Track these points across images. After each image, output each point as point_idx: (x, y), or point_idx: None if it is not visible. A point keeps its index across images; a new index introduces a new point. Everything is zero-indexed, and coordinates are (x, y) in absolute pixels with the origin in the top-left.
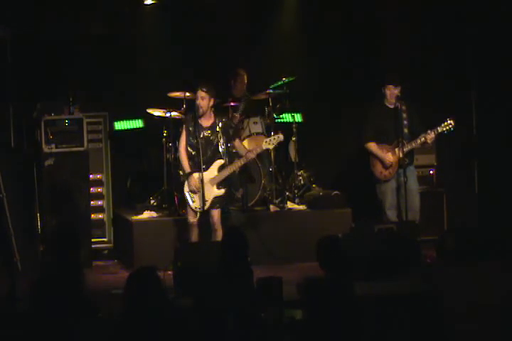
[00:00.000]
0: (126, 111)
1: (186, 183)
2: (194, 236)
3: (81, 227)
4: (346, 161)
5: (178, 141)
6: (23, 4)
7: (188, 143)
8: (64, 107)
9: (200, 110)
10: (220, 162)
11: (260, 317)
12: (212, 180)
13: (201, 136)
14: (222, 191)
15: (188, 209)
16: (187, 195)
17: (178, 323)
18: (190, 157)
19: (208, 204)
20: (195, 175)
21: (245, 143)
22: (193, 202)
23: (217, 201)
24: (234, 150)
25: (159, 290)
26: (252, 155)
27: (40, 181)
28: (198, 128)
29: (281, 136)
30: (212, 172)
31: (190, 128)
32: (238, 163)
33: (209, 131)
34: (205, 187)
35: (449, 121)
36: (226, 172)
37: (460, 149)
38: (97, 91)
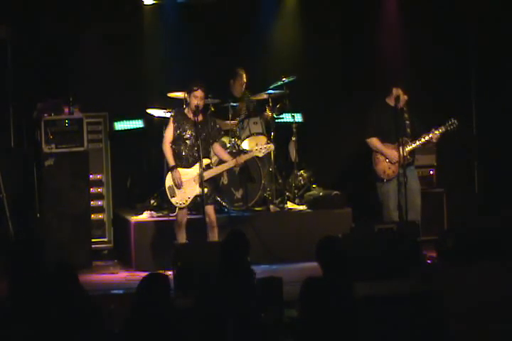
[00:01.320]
0: (126, 111)
1: (168, 177)
2: (181, 235)
3: (81, 227)
4: (346, 161)
5: (163, 135)
6: (23, 4)
7: (177, 140)
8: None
9: (199, 109)
10: (206, 161)
11: (260, 317)
12: (196, 178)
13: (193, 133)
14: (204, 190)
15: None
16: (167, 189)
17: (179, 323)
18: (177, 153)
19: (189, 201)
20: (180, 170)
21: (245, 143)
22: (173, 196)
23: (199, 199)
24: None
25: (168, 297)
26: (240, 161)
27: (40, 181)
28: (191, 125)
29: (272, 146)
30: (197, 169)
31: (180, 124)
32: (225, 166)
33: (200, 127)
34: (188, 183)
35: (452, 121)
36: (211, 173)
37: (460, 149)
38: (97, 91)
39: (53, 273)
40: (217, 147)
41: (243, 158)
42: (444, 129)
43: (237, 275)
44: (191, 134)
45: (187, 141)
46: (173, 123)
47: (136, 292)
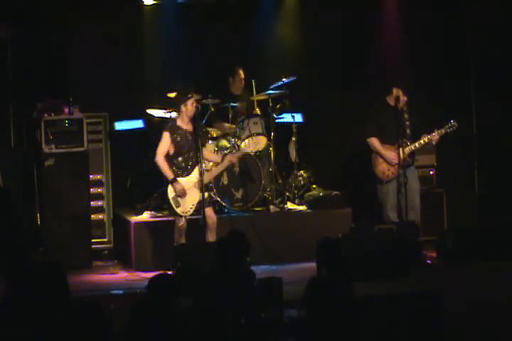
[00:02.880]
0: (126, 111)
1: (170, 189)
2: (182, 239)
3: (81, 227)
4: (346, 161)
5: (157, 148)
6: (23, 4)
7: (176, 153)
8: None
9: (196, 113)
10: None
11: (260, 317)
12: (197, 184)
13: (189, 142)
14: (205, 194)
15: (174, 214)
16: (171, 200)
17: (179, 323)
18: (175, 163)
19: (193, 208)
20: (181, 180)
21: (245, 143)
22: (178, 207)
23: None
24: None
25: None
26: (234, 159)
27: (40, 181)
28: (187, 135)
29: (261, 141)
30: (195, 176)
31: (177, 137)
32: (220, 168)
33: (192, 135)
34: (189, 191)
35: (452, 123)
36: (209, 176)
37: (460, 149)
38: (97, 92)
39: (42, 273)
40: (204, 151)
41: (236, 155)
42: (443, 131)
43: (236, 275)
44: (188, 144)
45: (185, 153)
46: (170, 137)
47: (146, 291)
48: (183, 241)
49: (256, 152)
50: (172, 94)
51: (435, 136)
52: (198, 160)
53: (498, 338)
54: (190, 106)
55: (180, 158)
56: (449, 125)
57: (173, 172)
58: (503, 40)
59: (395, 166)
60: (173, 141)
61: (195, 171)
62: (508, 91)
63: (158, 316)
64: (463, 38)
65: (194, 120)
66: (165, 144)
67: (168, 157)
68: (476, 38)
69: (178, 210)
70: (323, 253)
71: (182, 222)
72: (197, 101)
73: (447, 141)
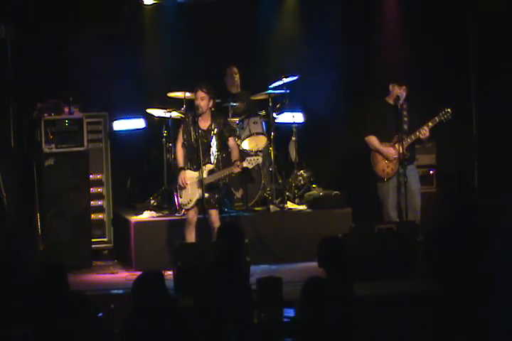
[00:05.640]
0: (126, 111)
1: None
2: (189, 234)
3: (81, 227)
4: (346, 161)
5: (176, 139)
6: (22, 4)
7: (184, 144)
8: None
9: (200, 110)
10: (209, 166)
11: (260, 317)
12: (199, 182)
13: (197, 137)
14: (206, 195)
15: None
16: (178, 189)
17: (179, 323)
18: (187, 155)
19: (191, 203)
20: (188, 172)
21: (245, 143)
22: (180, 197)
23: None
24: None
25: (164, 293)
26: (236, 170)
27: (40, 181)
28: (195, 129)
29: (260, 159)
30: (200, 173)
31: (189, 128)
32: (224, 172)
33: (204, 134)
34: (192, 186)
35: (446, 110)
36: (212, 178)
37: (460, 149)
38: (97, 92)
39: (41, 274)
40: (231, 142)
41: (237, 168)
42: (438, 119)
43: (230, 274)
44: (196, 138)
45: (194, 145)
46: (182, 126)
47: (131, 292)
48: (190, 237)
49: (256, 152)
50: (172, 94)
51: (429, 125)
52: (205, 159)
53: (497, 338)
54: (195, 99)
55: (189, 150)
56: (443, 112)
57: (186, 162)
58: (504, 40)
59: (394, 162)
60: (184, 130)
61: (204, 168)
62: (508, 91)
63: (153, 315)
64: (463, 37)
65: (197, 115)
66: (180, 132)
67: (183, 147)
68: (477, 37)
69: (180, 200)
70: (325, 252)
71: (188, 214)
72: (203, 97)
73: (447, 141)
